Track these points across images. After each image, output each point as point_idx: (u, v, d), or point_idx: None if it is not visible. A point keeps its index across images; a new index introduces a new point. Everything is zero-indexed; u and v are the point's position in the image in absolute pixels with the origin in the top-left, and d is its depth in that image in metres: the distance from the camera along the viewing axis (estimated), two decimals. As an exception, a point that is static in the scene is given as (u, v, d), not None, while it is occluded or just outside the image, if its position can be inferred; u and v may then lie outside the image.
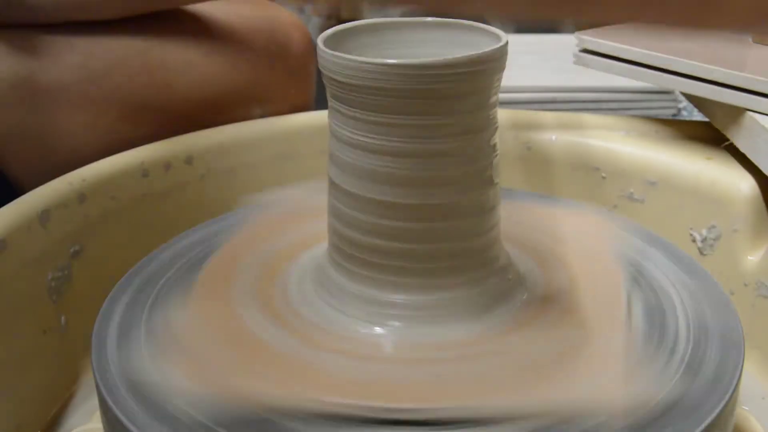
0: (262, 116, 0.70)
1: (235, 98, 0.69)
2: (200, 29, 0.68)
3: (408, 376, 0.40)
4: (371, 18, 0.46)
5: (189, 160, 0.64)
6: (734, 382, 0.39)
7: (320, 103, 0.44)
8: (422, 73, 0.38)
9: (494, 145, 0.43)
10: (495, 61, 0.40)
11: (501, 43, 0.41)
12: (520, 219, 0.53)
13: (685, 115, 1.02)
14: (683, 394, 0.38)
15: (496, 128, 0.43)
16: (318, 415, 0.37)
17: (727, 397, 0.38)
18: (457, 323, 0.42)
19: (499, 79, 0.42)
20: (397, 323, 0.42)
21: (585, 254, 0.50)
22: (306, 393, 0.38)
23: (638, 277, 0.48)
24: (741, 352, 0.42)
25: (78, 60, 0.64)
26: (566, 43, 1.07)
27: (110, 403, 0.39)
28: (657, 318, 0.45)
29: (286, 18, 0.73)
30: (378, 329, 0.42)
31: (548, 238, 0.52)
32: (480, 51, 0.40)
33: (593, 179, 0.66)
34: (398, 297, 0.42)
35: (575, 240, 0.52)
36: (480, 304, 0.43)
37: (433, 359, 0.40)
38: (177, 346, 0.43)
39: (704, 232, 0.60)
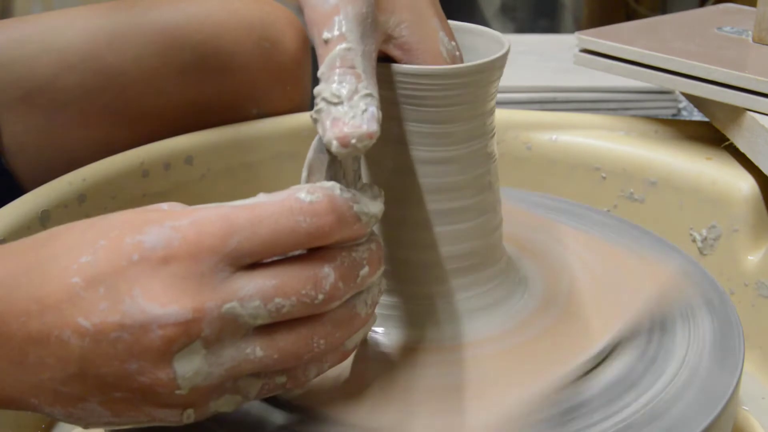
0: (259, 115, 0.70)
1: (230, 99, 0.69)
2: (190, 31, 0.68)
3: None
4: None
5: (189, 160, 0.64)
6: (734, 383, 0.39)
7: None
8: (421, 79, 0.38)
9: (491, 152, 0.42)
10: (495, 68, 0.40)
11: (503, 51, 0.40)
12: (519, 219, 0.53)
13: (685, 115, 1.03)
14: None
15: (494, 134, 0.42)
16: None
17: (727, 397, 0.38)
18: (463, 322, 0.42)
19: (498, 82, 0.41)
20: (396, 323, 0.42)
21: (585, 250, 0.50)
22: None
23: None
24: (740, 352, 0.42)
25: (75, 79, 0.64)
26: (566, 43, 1.07)
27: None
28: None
29: (279, 14, 0.71)
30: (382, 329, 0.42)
31: (547, 237, 0.52)
32: (481, 60, 0.39)
33: (593, 179, 0.66)
34: (396, 300, 0.42)
35: (574, 237, 0.52)
36: (484, 304, 0.43)
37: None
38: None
39: (704, 232, 0.60)
